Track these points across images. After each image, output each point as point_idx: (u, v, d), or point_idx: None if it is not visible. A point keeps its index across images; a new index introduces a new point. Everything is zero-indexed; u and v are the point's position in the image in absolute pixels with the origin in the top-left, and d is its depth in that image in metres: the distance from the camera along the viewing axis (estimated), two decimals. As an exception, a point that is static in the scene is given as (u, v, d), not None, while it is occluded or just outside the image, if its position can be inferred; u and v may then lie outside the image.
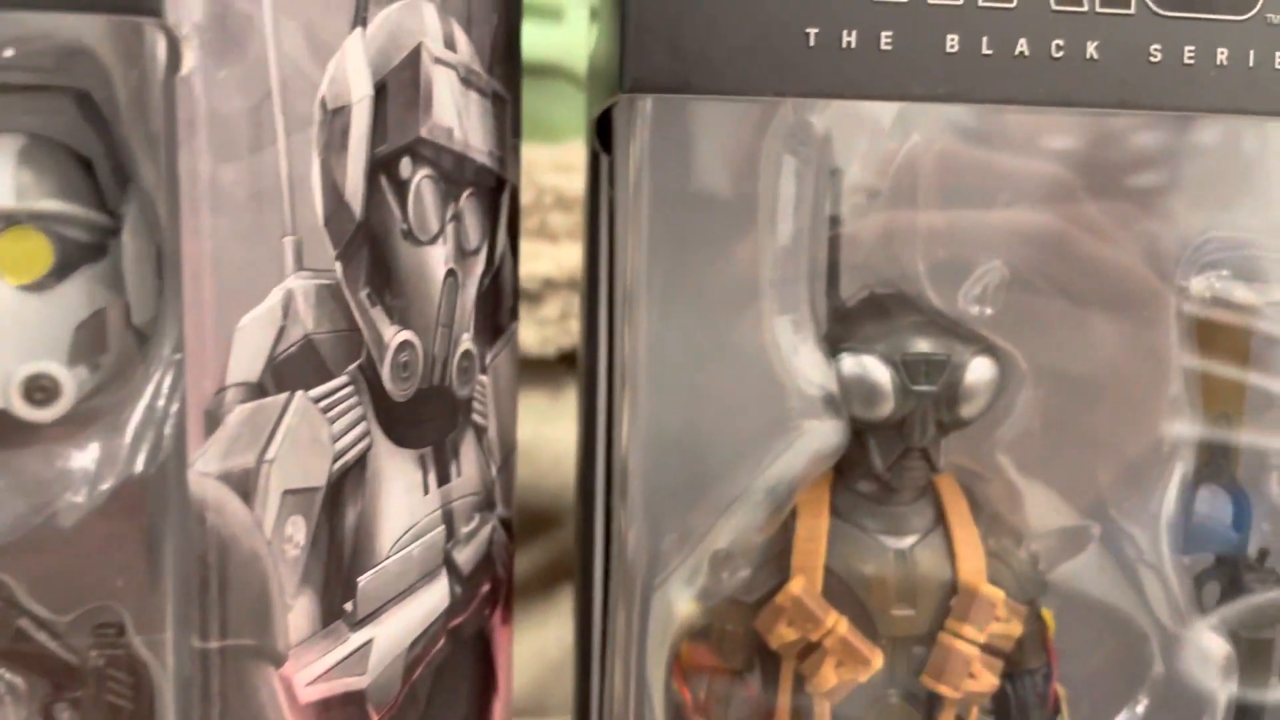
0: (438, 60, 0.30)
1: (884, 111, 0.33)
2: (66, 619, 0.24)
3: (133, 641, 0.24)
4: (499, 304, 0.35)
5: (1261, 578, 0.36)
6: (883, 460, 0.34)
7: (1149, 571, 0.36)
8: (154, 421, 0.23)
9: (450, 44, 0.31)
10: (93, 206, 0.24)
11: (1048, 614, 0.37)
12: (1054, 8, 0.31)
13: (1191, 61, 0.31)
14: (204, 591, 0.23)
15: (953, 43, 0.30)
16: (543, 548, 0.57)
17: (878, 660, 0.34)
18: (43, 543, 0.23)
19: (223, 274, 0.23)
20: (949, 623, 0.35)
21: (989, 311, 0.34)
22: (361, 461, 0.28)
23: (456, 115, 0.31)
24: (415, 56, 0.29)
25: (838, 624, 0.34)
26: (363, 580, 0.28)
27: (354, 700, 0.28)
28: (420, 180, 0.29)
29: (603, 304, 0.36)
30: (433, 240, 0.30)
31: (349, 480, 0.27)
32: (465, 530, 0.33)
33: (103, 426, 0.24)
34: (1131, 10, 0.31)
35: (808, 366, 0.34)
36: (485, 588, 0.35)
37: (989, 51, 0.31)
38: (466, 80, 0.31)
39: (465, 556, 0.33)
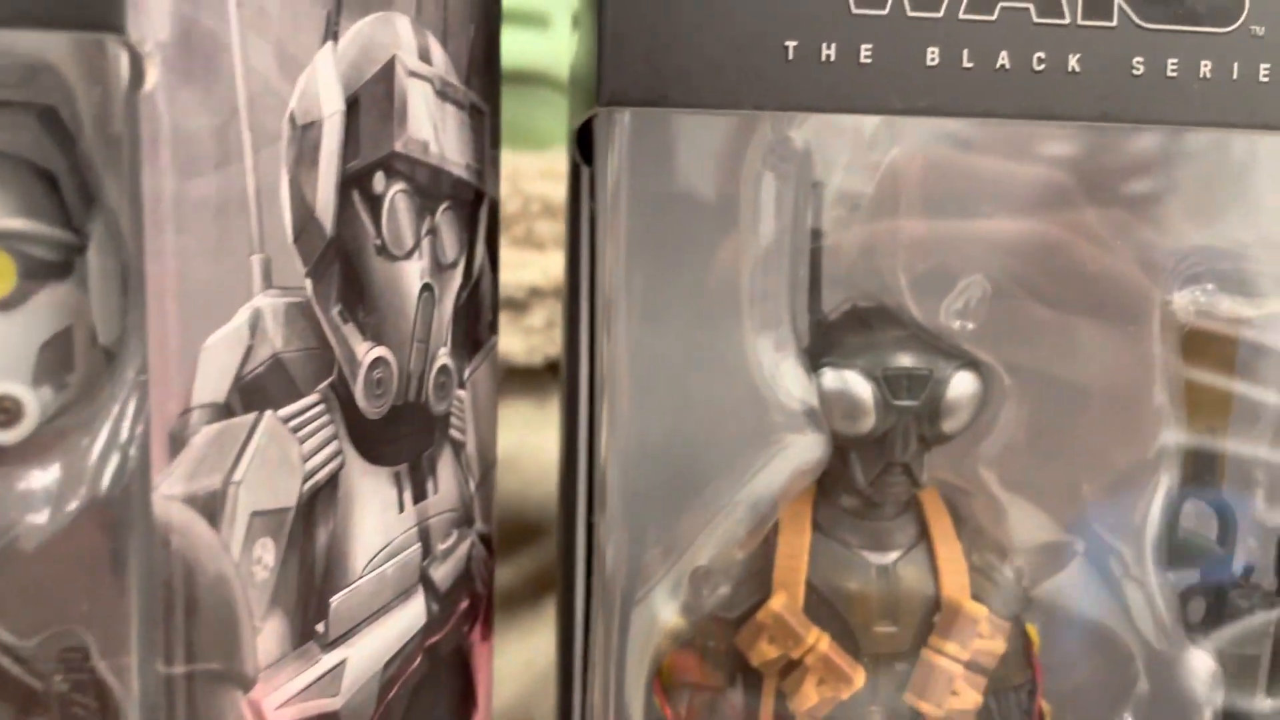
0: (412, 73, 0.29)
1: (865, 122, 0.33)
2: (31, 643, 0.23)
3: (98, 666, 0.23)
4: (478, 318, 0.35)
5: (1247, 594, 0.35)
6: (864, 475, 0.34)
7: (1134, 587, 0.36)
8: (119, 443, 0.23)
9: (425, 57, 0.30)
10: (57, 224, 0.24)
11: (1033, 629, 0.37)
12: (1035, 20, 0.30)
13: (1175, 74, 0.31)
14: (168, 616, 0.23)
15: (933, 56, 0.30)
16: (529, 558, 0.57)
17: (860, 678, 0.34)
18: (4, 565, 0.23)
19: (187, 294, 0.23)
20: (932, 639, 0.34)
21: (971, 326, 0.34)
22: (333, 481, 0.27)
23: (432, 128, 0.31)
24: (389, 70, 0.29)
25: (819, 641, 0.34)
26: (335, 600, 0.28)
27: (327, 721, 0.28)
28: (394, 195, 0.29)
29: (584, 314, 0.36)
30: (407, 255, 0.30)
31: (320, 500, 0.27)
32: (442, 547, 0.33)
33: (67, 447, 0.23)
34: (1114, 23, 0.31)
35: (789, 381, 0.34)
36: (464, 604, 0.34)
37: (970, 64, 0.30)
38: (443, 93, 0.31)
39: (442, 573, 0.33)
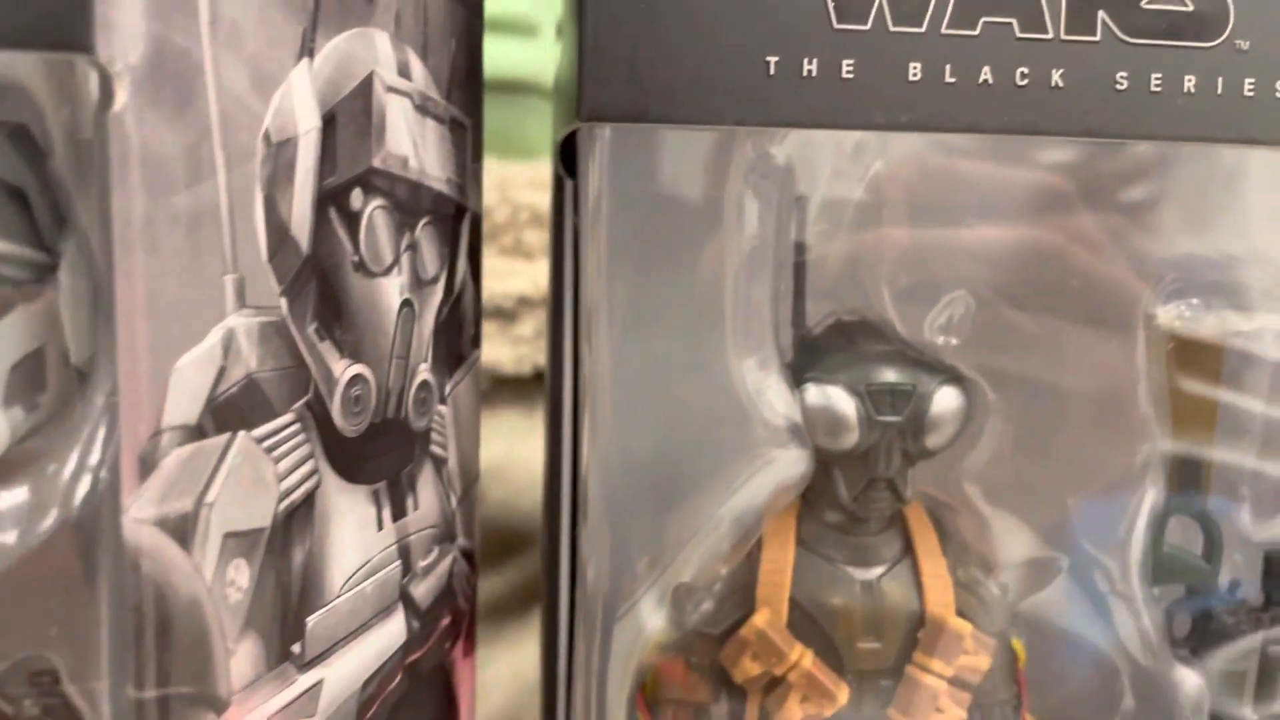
0: (391, 89, 0.29)
1: (847, 135, 0.33)
2: (0, 667, 0.23)
3: (69, 690, 0.23)
4: (460, 332, 0.34)
5: (1232, 609, 0.35)
6: (848, 491, 0.34)
7: (1120, 602, 0.36)
8: (89, 465, 0.23)
9: (405, 72, 0.30)
10: (28, 243, 0.24)
11: (1019, 645, 0.36)
12: (1019, 35, 0.30)
13: (1159, 89, 0.31)
14: (139, 639, 0.23)
15: (915, 71, 0.30)
16: (517, 568, 0.57)
17: (843, 695, 0.34)
18: (-27, 589, 0.22)
19: (158, 315, 0.23)
20: (916, 656, 0.34)
21: (954, 341, 0.34)
22: (309, 500, 0.27)
23: (412, 143, 0.30)
24: (367, 86, 0.28)
25: (803, 657, 0.34)
26: (311, 620, 0.28)
27: (304, 741, 0.28)
28: (373, 211, 0.29)
29: (567, 326, 0.36)
30: (386, 271, 0.30)
31: (296, 519, 0.27)
32: (423, 564, 0.33)
33: (38, 468, 0.23)
34: (1097, 37, 0.30)
35: (773, 395, 0.34)
36: (445, 621, 0.34)
37: (952, 80, 0.30)
38: (422, 108, 0.31)
39: (423, 590, 0.33)
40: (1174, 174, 0.35)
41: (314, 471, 0.27)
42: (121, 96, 0.22)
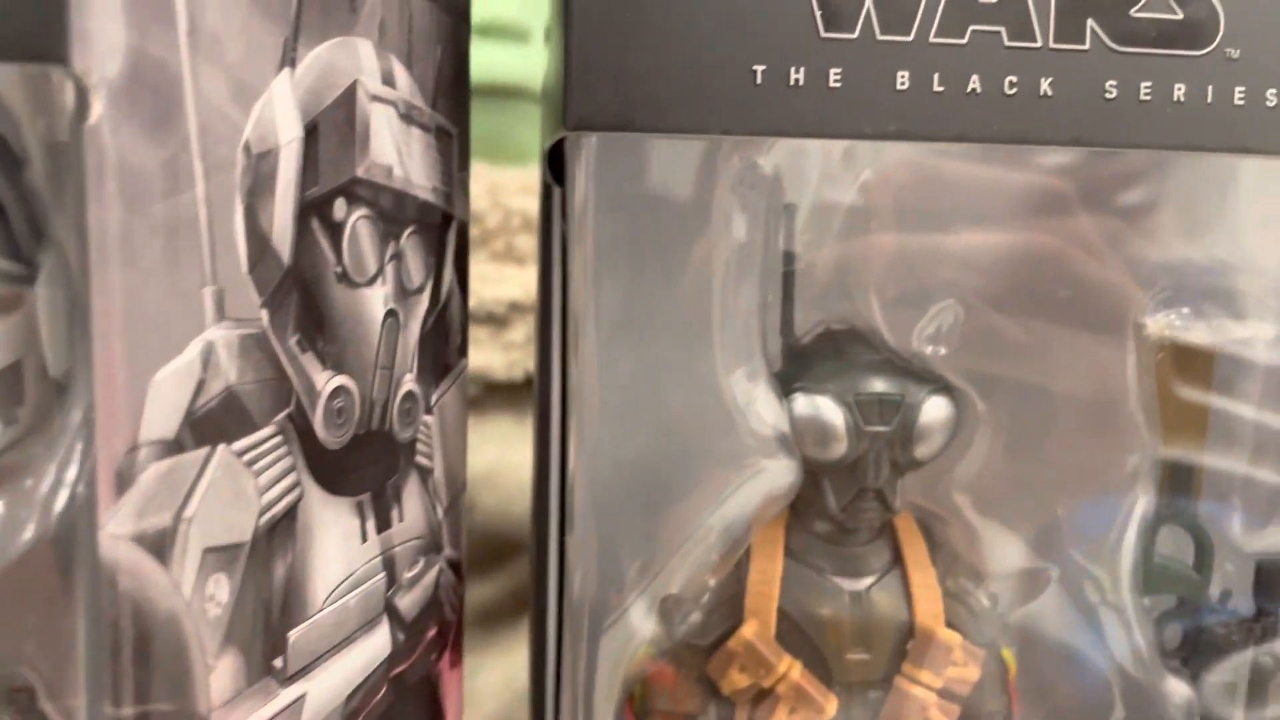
0: (375, 98, 0.29)
1: (834, 144, 0.33)
2: (-23, 684, 0.23)
3: (46, 708, 0.23)
4: (446, 341, 0.34)
5: (1224, 619, 0.35)
6: (837, 501, 0.34)
7: (1110, 613, 0.36)
8: (66, 480, 0.23)
9: (389, 80, 0.30)
10: (5, 255, 0.23)
11: (1009, 655, 0.36)
12: (1007, 44, 0.30)
13: (1149, 97, 0.31)
14: (117, 656, 0.23)
15: (903, 80, 0.30)
16: (509, 575, 0.56)
17: (832, 707, 0.34)
18: (-51, 606, 0.22)
19: (135, 328, 0.22)
20: (905, 667, 0.34)
21: (943, 351, 0.33)
22: (291, 513, 0.27)
23: (396, 152, 0.30)
24: (350, 95, 0.28)
25: (791, 669, 0.33)
26: (294, 634, 0.27)
27: (287, 756, 0.27)
28: (356, 221, 0.29)
29: (555, 333, 0.36)
30: (370, 281, 0.30)
31: (278, 533, 0.27)
32: (408, 575, 0.32)
33: (15, 483, 0.23)
34: (1086, 46, 0.30)
35: (761, 405, 0.33)
36: (431, 632, 0.34)
37: (940, 88, 0.30)
38: (407, 116, 0.31)
39: (408, 602, 0.32)
40: (1167, 179, 0.35)
41: (296, 484, 0.27)
42: (97, 108, 0.22)
